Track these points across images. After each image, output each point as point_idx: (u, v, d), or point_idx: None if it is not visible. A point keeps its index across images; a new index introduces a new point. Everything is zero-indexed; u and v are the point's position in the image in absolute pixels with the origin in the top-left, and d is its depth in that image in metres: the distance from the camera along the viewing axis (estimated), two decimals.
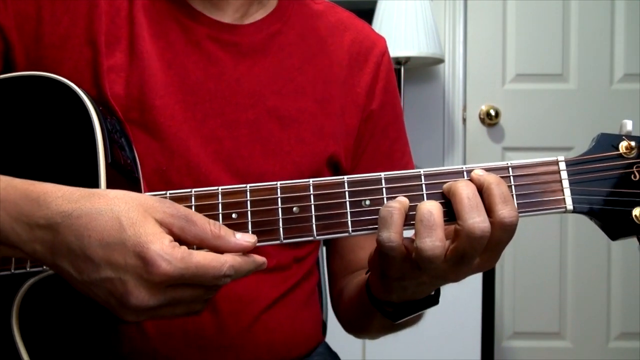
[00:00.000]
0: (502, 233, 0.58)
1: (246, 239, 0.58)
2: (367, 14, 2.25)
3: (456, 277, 0.61)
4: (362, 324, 0.82)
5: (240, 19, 0.80)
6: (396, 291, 0.66)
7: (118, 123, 0.71)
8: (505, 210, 0.58)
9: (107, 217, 0.55)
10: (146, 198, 0.57)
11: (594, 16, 2.42)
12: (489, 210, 0.58)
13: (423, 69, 2.44)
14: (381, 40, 0.90)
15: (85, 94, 0.66)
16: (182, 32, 0.77)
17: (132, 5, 0.76)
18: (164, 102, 0.74)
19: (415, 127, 2.43)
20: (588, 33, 2.42)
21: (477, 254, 0.58)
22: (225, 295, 0.75)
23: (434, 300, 0.69)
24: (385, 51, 0.90)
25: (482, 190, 0.59)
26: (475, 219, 0.57)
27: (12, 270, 0.63)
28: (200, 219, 0.57)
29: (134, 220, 0.54)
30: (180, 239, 0.56)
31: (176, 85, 0.76)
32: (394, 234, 0.58)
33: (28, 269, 0.62)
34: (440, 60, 2.29)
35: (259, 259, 0.59)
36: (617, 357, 2.44)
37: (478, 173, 0.60)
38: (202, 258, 0.55)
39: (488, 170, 0.62)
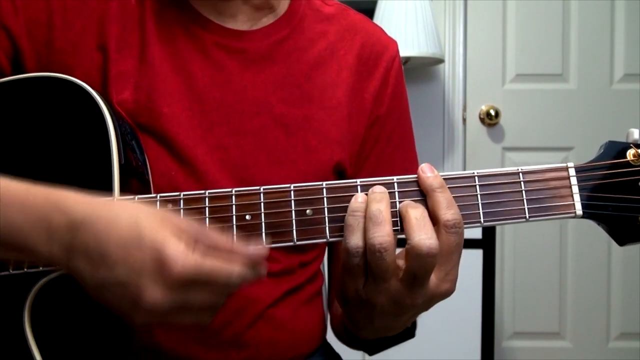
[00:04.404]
0: (447, 237, 0.59)
1: (258, 247, 0.59)
2: (367, 14, 2.24)
3: (412, 301, 0.61)
4: (349, 344, 0.83)
5: (249, 25, 0.80)
6: (362, 325, 0.68)
7: (129, 126, 0.72)
8: (449, 214, 0.60)
9: (125, 221, 0.56)
10: (162, 210, 0.59)
11: (594, 16, 2.42)
12: (433, 216, 0.60)
13: (423, 69, 2.44)
14: (393, 44, 0.89)
15: (99, 96, 0.66)
16: (190, 39, 0.77)
17: (143, 11, 0.76)
18: (172, 110, 0.75)
19: (415, 127, 2.42)
20: (588, 33, 2.43)
21: (427, 273, 0.59)
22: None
23: (407, 334, 0.71)
24: (396, 55, 0.88)
25: (426, 195, 0.61)
26: (422, 236, 0.58)
27: (25, 269, 0.64)
28: (212, 231, 0.59)
29: (151, 225, 0.56)
30: (193, 247, 0.57)
31: (183, 93, 0.76)
32: (361, 241, 0.59)
33: (41, 268, 0.63)
34: (440, 60, 2.29)
35: (263, 268, 0.60)
36: (617, 357, 2.44)
37: (425, 174, 0.62)
38: (215, 261, 0.56)
39: (498, 175, 0.63)
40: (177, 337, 0.74)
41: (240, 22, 0.79)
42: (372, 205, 0.59)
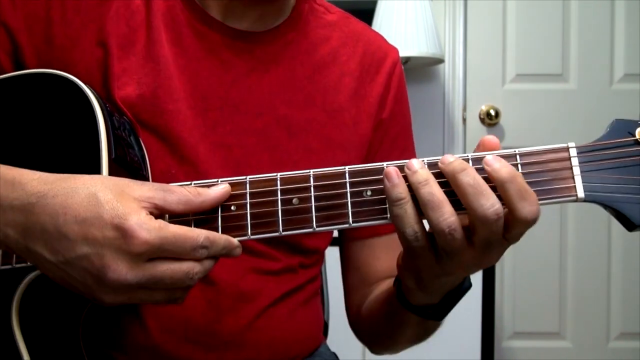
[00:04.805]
0: (524, 227, 0.57)
1: (220, 186, 0.60)
2: (367, 14, 2.25)
3: (490, 261, 0.59)
4: (393, 336, 0.80)
5: (256, 26, 0.80)
6: (437, 290, 0.65)
7: (128, 122, 0.71)
8: (525, 209, 0.55)
9: (83, 195, 0.55)
10: (122, 179, 0.58)
11: (594, 16, 2.42)
12: (509, 208, 0.56)
13: (423, 69, 2.44)
14: (394, 51, 0.91)
15: (91, 90, 0.66)
16: (197, 39, 0.77)
17: (150, 10, 0.76)
18: (177, 107, 0.75)
19: (415, 127, 2.42)
20: (588, 33, 2.42)
21: (500, 233, 0.56)
22: (228, 292, 0.76)
23: (469, 284, 0.68)
24: (397, 61, 0.90)
25: (496, 188, 0.56)
26: (485, 205, 0.55)
27: (13, 265, 0.63)
28: (175, 186, 0.59)
29: (110, 197, 0.55)
30: (164, 210, 0.57)
31: (188, 91, 0.76)
32: (416, 225, 0.57)
33: (29, 263, 0.62)
34: (440, 60, 2.29)
35: (233, 239, 0.59)
36: (617, 357, 2.44)
37: (491, 167, 0.56)
38: (179, 228, 0.55)
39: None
40: (175, 338, 0.74)
41: (247, 24, 0.80)
42: (421, 191, 0.56)
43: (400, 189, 0.57)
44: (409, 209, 0.57)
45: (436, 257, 0.59)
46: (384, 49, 0.90)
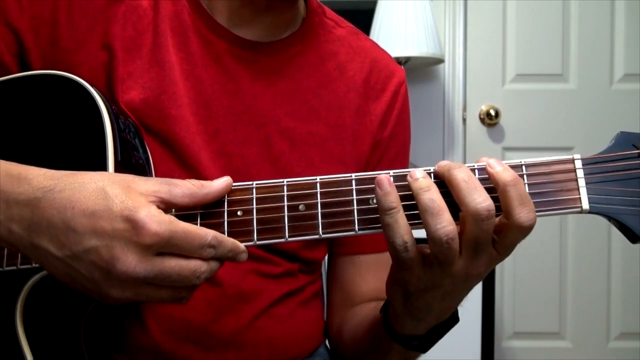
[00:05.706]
0: (519, 234, 0.57)
1: (223, 178, 0.60)
2: (367, 14, 2.25)
3: (477, 271, 0.59)
4: None
5: (264, 37, 0.80)
6: (423, 315, 0.64)
7: (133, 125, 0.71)
8: (523, 214, 0.56)
9: (91, 189, 0.55)
10: (127, 175, 0.57)
11: (594, 16, 2.42)
12: (506, 212, 0.56)
13: (423, 69, 2.44)
14: (400, 71, 0.90)
15: (97, 93, 0.66)
16: (203, 45, 0.77)
17: (157, 14, 0.76)
18: (180, 113, 0.75)
19: (415, 127, 2.43)
20: (588, 33, 2.43)
21: (489, 236, 0.56)
22: (229, 292, 0.76)
23: (456, 318, 0.68)
24: (403, 82, 0.90)
25: (497, 191, 0.57)
26: (477, 200, 0.55)
27: (18, 266, 0.63)
28: (179, 180, 0.59)
29: (118, 191, 0.55)
30: (170, 203, 0.57)
31: (192, 98, 0.76)
32: (405, 235, 0.57)
33: (33, 265, 0.62)
34: (440, 60, 2.29)
35: (240, 244, 0.59)
36: (617, 357, 2.44)
37: (494, 169, 0.57)
38: (188, 225, 0.55)
39: None
40: (176, 338, 0.74)
41: (255, 33, 0.80)
42: (422, 196, 0.56)
43: (391, 197, 0.57)
44: (399, 218, 0.57)
45: (425, 265, 0.59)
46: (391, 68, 0.90)
